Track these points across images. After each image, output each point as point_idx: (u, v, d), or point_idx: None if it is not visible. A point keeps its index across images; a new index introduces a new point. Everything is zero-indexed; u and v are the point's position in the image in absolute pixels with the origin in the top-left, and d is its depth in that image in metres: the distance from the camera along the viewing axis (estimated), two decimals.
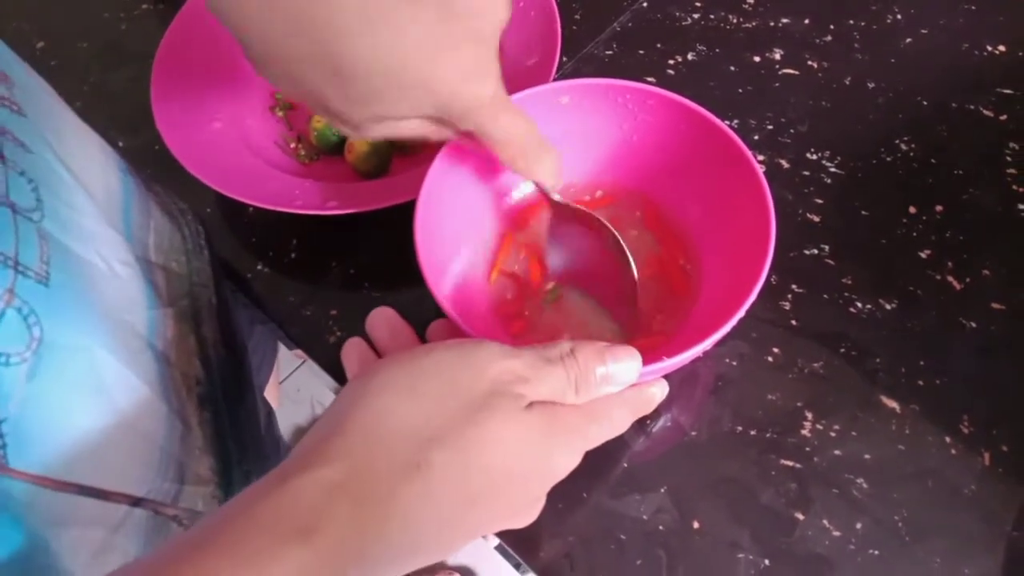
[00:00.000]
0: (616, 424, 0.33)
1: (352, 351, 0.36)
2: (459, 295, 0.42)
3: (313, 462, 0.25)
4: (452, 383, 0.28)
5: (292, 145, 0.54)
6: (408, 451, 0.26)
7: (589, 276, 0.44)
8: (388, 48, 0.29)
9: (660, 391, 0.35)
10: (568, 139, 0.45)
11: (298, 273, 0.49)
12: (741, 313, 0.35)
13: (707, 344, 0.34)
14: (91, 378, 0.31)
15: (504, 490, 0.28)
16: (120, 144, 0.55)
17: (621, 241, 0.40)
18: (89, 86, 0.58)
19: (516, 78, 0.53)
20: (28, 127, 0.32)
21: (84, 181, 0.35)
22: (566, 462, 0.30)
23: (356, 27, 0.28)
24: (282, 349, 0.71)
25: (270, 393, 0.79)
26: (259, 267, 0.50)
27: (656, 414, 0.43)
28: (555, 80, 0.53)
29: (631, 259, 0.40)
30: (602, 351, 0.31)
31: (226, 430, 0.43)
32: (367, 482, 0.25)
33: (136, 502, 0.33)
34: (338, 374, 0.46)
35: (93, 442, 0.31)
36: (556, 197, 0.41)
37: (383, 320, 0.37)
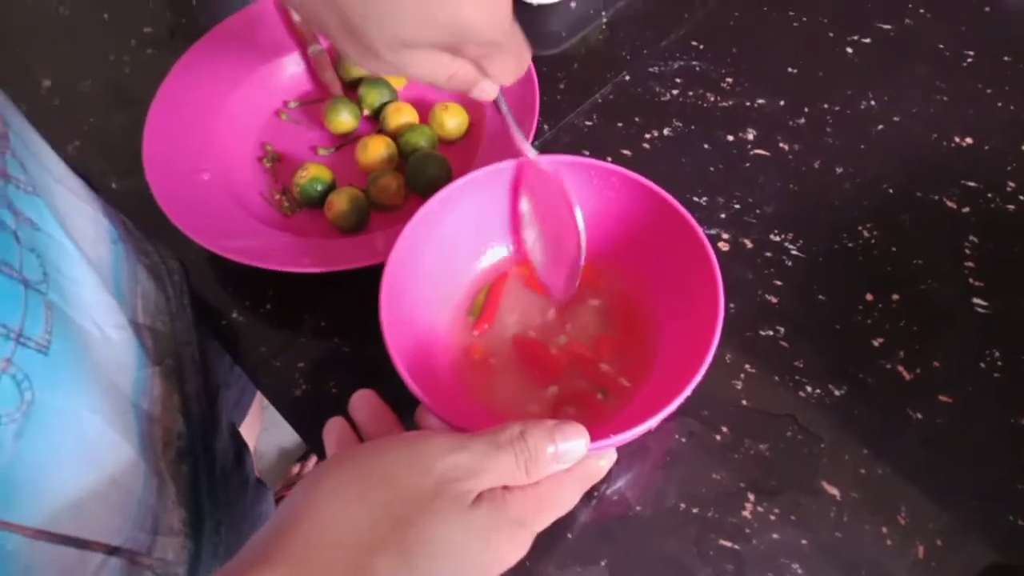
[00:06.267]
0: (565, 503, 0.34)
1: (332, 431, 0.38)
2: (421, 352, 0.43)
3: (259, 565, 0.27)
4: (397, 488, 0.29)
5: (276, 197, 0.56)
6: (352, 558, 0.28)
7: (547, 236, 0.47)
8: None
9: (607, 461, 0.36)
10: None
11: (271, 324, 0.51)
12: (687, 393, 0.37)
13: (651, 423, 0.36)
14: (77, 437, 0.34)
15: None
16: (113, 186, 0.57)
17: (574, 205, 0.44)
18: (88, 126, 0.61)
19: (493, 144, 0.55)
20: (39, 206, 0.35)
21: (84, 252, 0.38)
22: (512, 555, 0.32)
23: None
24: None
25: (252, 420, 0.81)
26: (234, 315, 0.52)
27: (604, 485, 0.44)
28: (534, 146, 0.55)
29: (580, 224, 0.44)
30: (551, 431, 0.32)
31: (202, 482, 0.45)
32: None
33: (112, 551, 0.35)
34: (300, 426, 0.48)
35: (75, 495, 0.33)
36: (532, 154, 0.45)
37: (365, 403, 0.39)
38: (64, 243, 0.36)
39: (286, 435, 1.32)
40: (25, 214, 0.33)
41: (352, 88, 0.62)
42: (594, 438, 0.34)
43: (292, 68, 0.63)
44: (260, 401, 0.83)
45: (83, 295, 0.36)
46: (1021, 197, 0.52)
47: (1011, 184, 0.52)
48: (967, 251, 0.50)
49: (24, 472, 0.30)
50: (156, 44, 0.66)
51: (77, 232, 0.38)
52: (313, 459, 1.25)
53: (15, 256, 0.31)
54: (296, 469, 1.23)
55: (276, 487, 1.21)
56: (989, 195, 0.52)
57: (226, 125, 0.58)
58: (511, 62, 0.36)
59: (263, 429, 1.14)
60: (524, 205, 0.47)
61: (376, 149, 0.55)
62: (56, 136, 0.45)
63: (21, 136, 0.37)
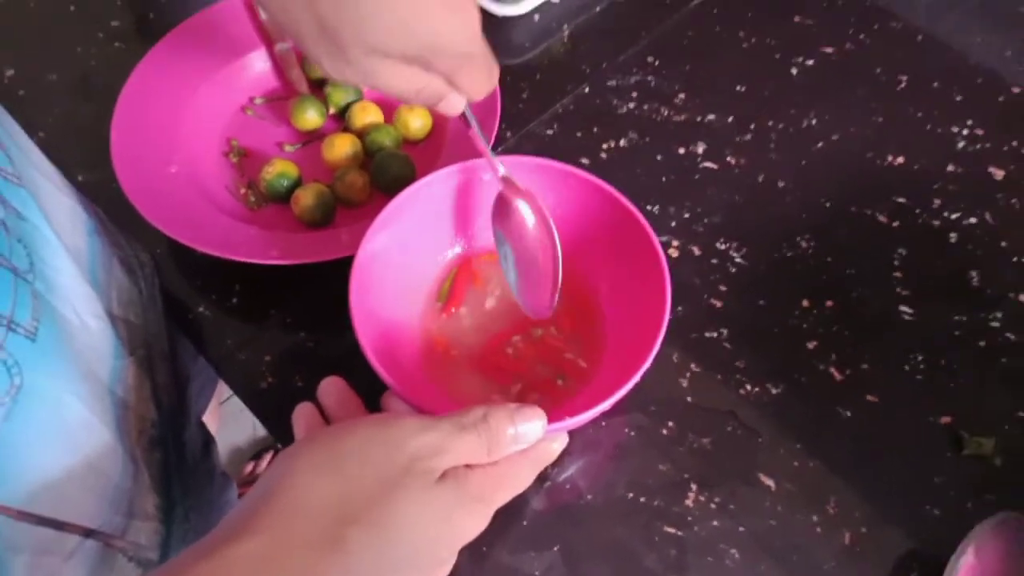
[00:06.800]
0: (521, 482, 0.37)
1: (301, 415, 0.39)
2: (387, 342, 0.45)
3: (241, 534, 0.29)
4: (369, 463, 0.31)
5: (242, 191, 0.57)
6: (326, 528, 0.29)
7: (522, 254, 0.48)
8: None
9: (559, 444, 0.39)
10: None
11: (237, 318, 0.52)
12: (629, 387, 0.40)
13: (597, 411, 0.39)
14: (58, 421, 0.35)
15: (415, 558, 0.32)
16: (79, 178, 0.57)
17: (550, 222, 0.45)
18: (54, 118, 0.61)
19: (455, 145, 0.58)
20: (23, 196, 0.36)
21: (65, 242, 0.39)
22: (474, 528, 0.34)
23: None
24: None
25: (210, 416, 0.81)
26: (201, 309, 0.53)
27: (557, 472, 0.47)
28: (496, 152, 0.58)
29: (557, 238, 0.45)
30: (512, 414, 0.35)
31: (172, 469, 0.46)
32: (289, 556, 0.29)
33: (88, 533, 0.36)
34: (266, 417, 0.49)
35: (55, 478, 0.34)
36: (502, 171, 0.46)
37: (333, 389, 0.41)
38: (47, 234, 0.37)
39: (240, 433, 1.31)
40: (12, 204, 0.34)
41: (318, 87, 0.63)
42: (548, 422, 0.37)
43: (259, 65, 0.64)
44: (218, 397, 0.83)
45: (65, 284, 0.37)
46: (945, 214, 0.56)
47: (937, 201, 0.57)
48: (896, 263, 0.54)
49: (9, 454, 0.31)
50: (123, 38, 0.67)
51: (58, 223, 0.39)
52: (267, 457, 1.25)
53: (4, 245, 0.32)
54: (250, 467, 1.22)
55: None
56: (917, 211, 0.56)
57: (193, 119, 0.59)
58: (482, 75, 0.37)
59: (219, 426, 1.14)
60: (496, 231, 0.48)
61: (342, 147, 0.57)
62: (21, 127, 0.46)
63: (6, 128, 0.38)
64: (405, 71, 0.34)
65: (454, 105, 0.39)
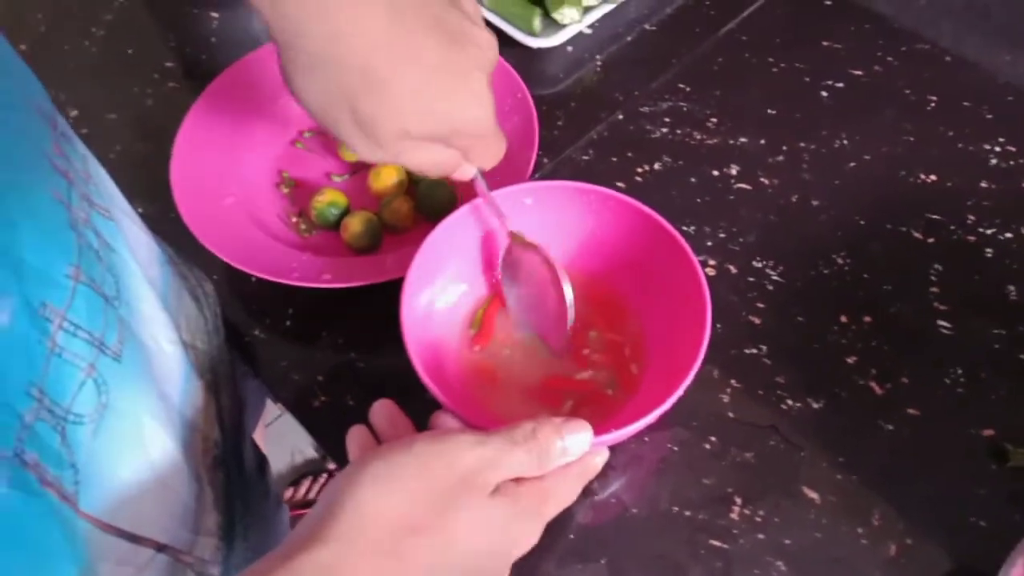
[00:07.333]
0: (568, 495, 0.38)
1: (355, 437, 0.41)
2: (436, 362, 0.47)
3: (309, 543, 0.31)
4: (427, 476, 0.33)
5: (294, 219, 0.60)
6: (387, 539, 0.31)
7: (533, 302, 0.50)
8: (412, 67, 0.35)
9: (601, 459, 0.41)
10: (537, 230, 0.50)
11: (291, 340, 0.55)
12: (674, 398, 0.41)
13: (648, 419, 0.40)
14: (137, 439, 0.37)
15: (470, 569, 0.33)
16: (139, 210, 0.60)
17: (558, 270, 0.47)
18: (115, 154, 0.64)
19: (497, 173, 0.60)
20: (112, 229, 0.39)
21: (145, 273, 0.42)
22: (526, 541, 0.36)
23: (385, 46, 0.34)
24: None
25: (257, 436, 0.84)
26: (256, 332, 0.55)
27: (604, 490, 0.48)
28: (534, 178, 0.60)
29: (566, 286, 0.47)
30: (559, 427, 0.37)
31: (234, 488, 0.48)
32: (353, 564, 0.31)
33: (160, 548, 0.38)
34: (319, 435, 0.51)
35: (133, 493, 0.36)
36: (510, 227, 0.49)
37: (385, 411, 0.43)
38: (130, 263, 0.40)
39: (278, 461, 1.34)
40: (104, 236, 0.37)
41: None
42: (595, 434, 0.38)
43: None
44: (263, 419, 0.86)
45: (144, 311, 0.40)
46: (980, 229, 0.57)
47: (971, 217, 0.57)
48: (932, 278, 0.55)
49: (96, 469, 0.33)
50: (177, 78, 0.70)
51: (138, 254, 0.42)
52: (306, 483, 1.26)
53: (98, 273, 0.35)
54: (289, 493, 1.24)
55: None
56: (951, 227, 0.57)
57: (246, 154, 0.62)
58: (492, 151, 0.42)
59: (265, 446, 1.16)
60: (505, 282, 0.51)
61: (388, 176, 0.59)
62: None
63: (95, 166, 0.41)
64: (429, 149, 0.39)
65: (467, 173, 0.44)
